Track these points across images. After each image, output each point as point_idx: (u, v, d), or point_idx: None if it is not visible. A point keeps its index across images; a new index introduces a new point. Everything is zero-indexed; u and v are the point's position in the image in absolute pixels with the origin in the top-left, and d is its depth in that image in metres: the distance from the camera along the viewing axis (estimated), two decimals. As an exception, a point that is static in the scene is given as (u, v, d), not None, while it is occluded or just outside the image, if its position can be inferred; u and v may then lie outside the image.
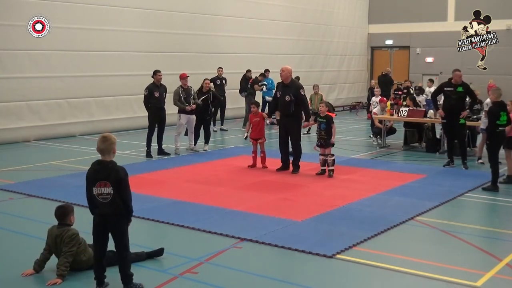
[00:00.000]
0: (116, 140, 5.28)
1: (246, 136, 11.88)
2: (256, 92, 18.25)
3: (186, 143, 13.23)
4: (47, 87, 15.05)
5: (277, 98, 10.82)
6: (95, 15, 16.04)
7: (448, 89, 11.49)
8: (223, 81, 17.47)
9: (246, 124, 17.83)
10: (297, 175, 10.54)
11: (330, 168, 10.39)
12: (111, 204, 5.10)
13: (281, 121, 10.93)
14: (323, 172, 10.48)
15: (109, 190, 5.07)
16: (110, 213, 5.13)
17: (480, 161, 11.90)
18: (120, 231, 5.21)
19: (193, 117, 12.92)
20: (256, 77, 18.23)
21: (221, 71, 17.53)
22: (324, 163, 10.49)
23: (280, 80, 10.86)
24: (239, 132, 17.23)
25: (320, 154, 10.62)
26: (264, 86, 18.33)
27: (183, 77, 12.82)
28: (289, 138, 10.78)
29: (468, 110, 11.52)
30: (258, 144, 11.30)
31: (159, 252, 6.13)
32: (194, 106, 12.68)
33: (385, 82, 21.26)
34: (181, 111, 12.74)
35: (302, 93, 10.70)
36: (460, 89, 11.33)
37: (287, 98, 10.53)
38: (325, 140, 10.40)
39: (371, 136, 15.11)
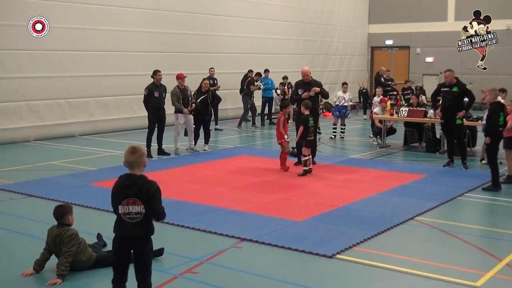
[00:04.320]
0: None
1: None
2: (254, 92, 18.23)
3: (186, 143, 13.23)
4: (47, 87, 15.05)
5: (298, 95, 11.27)
6: (95, 15, 16.03)
7: (444, 89, 11.52)
8: (215, 81, 17.44)
9: (241, 124, 17.86)
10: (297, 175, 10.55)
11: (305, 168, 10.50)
12: (141, 225, 4.45)
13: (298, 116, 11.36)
14: (305, 172, 10.46)
15: (139, 209, 4.42)
16: (138, 235, 4.47)
17: (484, 161, 11.82)
18: (146, 256, 4.55)
19: (191, 116, 12.89)
20: (252, 77, 18.18)
21: (213, 71, 17.52)
22: (305, 163, 10.54)
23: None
24: (239, 132, 17.24)
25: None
26: (261, 85, 18.29)
27: (180, 77, 12.80)
28: None
29: (464, 111, 11.50)
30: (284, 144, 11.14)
31: (159, 252, 6.12)
32: (193, 106, 12.71)
33: (376, 81, 21.19)
34: (178, 111, 12.74)
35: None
36: (455, 89, 11.35)
37: (311, 93, 11.08)
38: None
39: (371, 136, 15.11)
